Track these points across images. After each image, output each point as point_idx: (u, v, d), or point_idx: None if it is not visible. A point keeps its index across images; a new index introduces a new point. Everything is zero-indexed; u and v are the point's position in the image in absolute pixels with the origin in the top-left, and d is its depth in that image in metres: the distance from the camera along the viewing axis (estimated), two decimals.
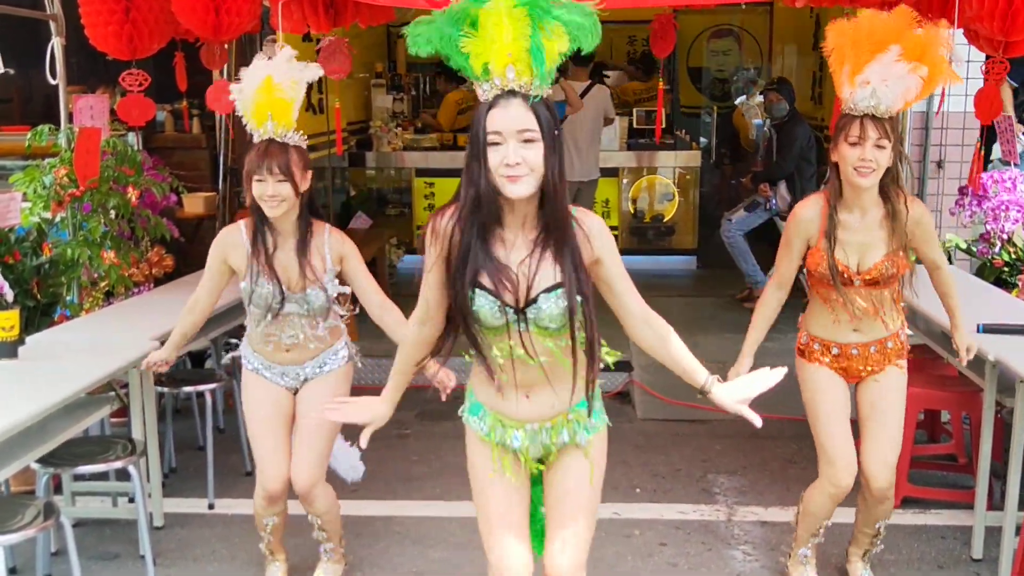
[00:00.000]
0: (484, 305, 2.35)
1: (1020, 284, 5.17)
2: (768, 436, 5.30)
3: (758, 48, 11.38)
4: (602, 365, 2.51)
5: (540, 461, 2.65)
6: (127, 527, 4.20)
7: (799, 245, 3.44)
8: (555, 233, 2.34)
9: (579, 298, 2.35)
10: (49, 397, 3.33)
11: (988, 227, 5.89)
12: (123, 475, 3.93)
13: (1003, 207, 5.81)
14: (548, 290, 2.34)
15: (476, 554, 3.96)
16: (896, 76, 3.06)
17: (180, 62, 5.49)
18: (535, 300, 2.35)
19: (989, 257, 5.82)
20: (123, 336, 4.15)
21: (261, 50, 6.57)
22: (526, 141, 2.24)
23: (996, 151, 6.65)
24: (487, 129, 2.24)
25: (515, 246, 2.37)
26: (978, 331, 3.94)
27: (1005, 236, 5.75)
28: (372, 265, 7.60)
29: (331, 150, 7.61)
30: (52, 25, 5.09)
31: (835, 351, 3.43)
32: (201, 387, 4.60)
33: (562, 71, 3.28)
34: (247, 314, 3.51)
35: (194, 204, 6.78)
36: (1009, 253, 5.67)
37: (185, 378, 4.76)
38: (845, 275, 3.29)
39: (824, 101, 8.13)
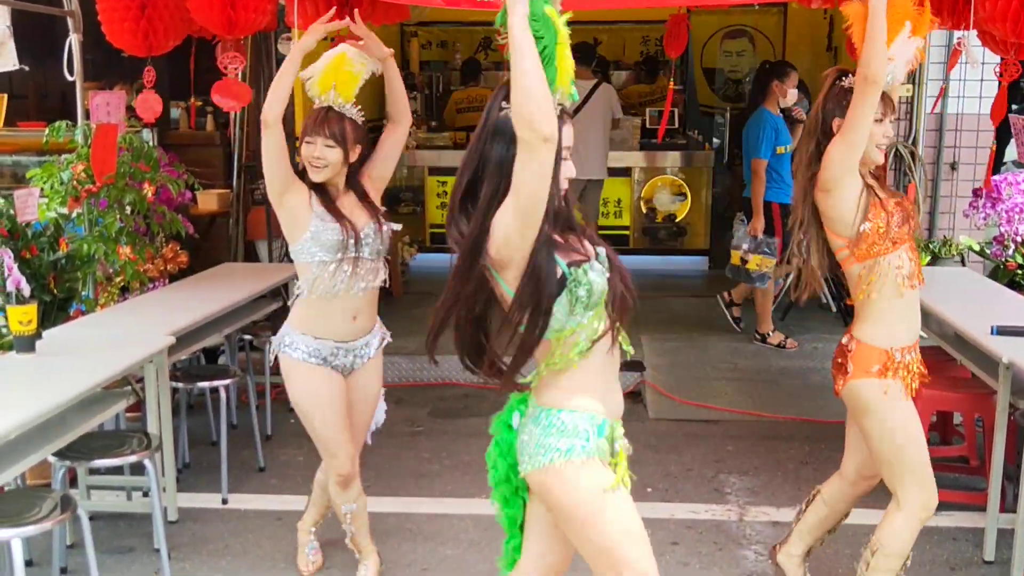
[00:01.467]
0: (597, 276, 2.36)
1: None
2: (780, 437, 5.31)
3: (772, 49, 11.35)
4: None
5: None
6: (142, 521, 4.22)
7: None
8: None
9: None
10: (65, 391, 3.36)
11: (1002, 229, 5.88)
12: (138, 469, 3.95)
13: (1017, 209, 5.81)
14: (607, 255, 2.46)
15: (487, 551, 3.99)
16: (906, 52, 3.11)
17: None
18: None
19: (1003, 259, 5.81)
20: (138, 331, 4.18)
21: (276, 48, 6.62)
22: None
23: (1010, 152, 6.64)
24: (563, 143, 2.33)
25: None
26: (992, 333, 3.94)
27: (1019, 238, 5.74)
28: (384, 261, 7.64)
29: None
30: (69, 21, 5.12)
31: (908, 357, 3.18)
32: (215, 383, 4.62)
33: None
34: (304, 283, 3.48)
35: (208, 201, 6.82)
36: (1022, 255, 5.66)
37: (199, 374, 4.78)
38: (900, 223, 3.15)
39: None
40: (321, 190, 3.47)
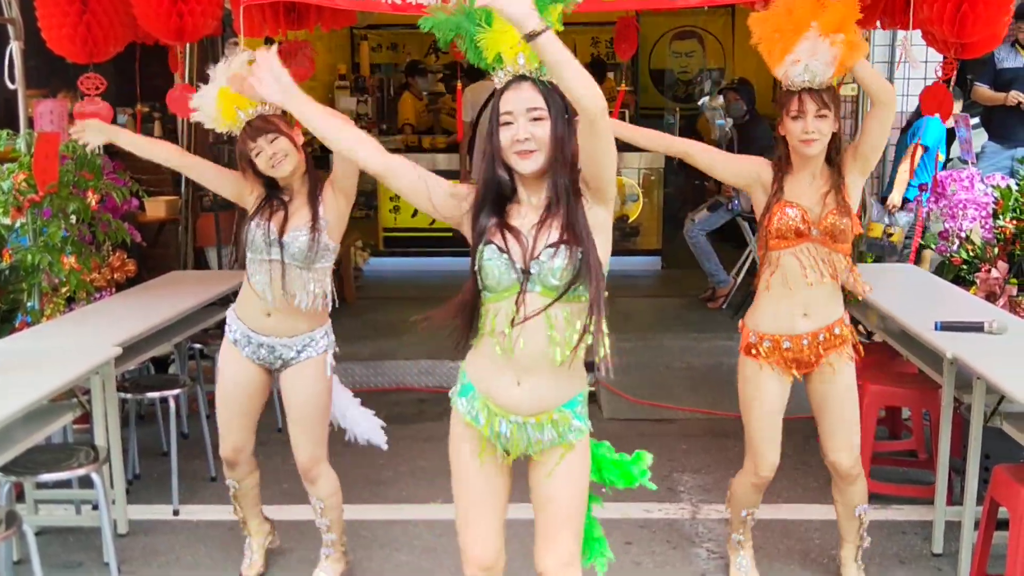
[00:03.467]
0: (492, 259, 2.46)
1: (978, 282, 5.25)
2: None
3: (721, 49, 11.47)
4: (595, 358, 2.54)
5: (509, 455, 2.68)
6: (91, 535, 4.16)
7: (747, 163, 3.55)
8: (562, 202, 2.46)
9: (580, 251, 2.43)
10: (11, 404, 3.30)
11: (946, 225, 5.98)
12: (86, 482, 3.90)
13: (961, 205, 5.90)
14: (551, 246, 2.44)
15: (443, 558, 3.98)
16: (822, 49, 3.23)
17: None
18: (538, 256, 2.45)
19: (948, 255, 5.90)
20: (85, 342, 4.12)
21: (223, 53, 6.56)
22: (535, 119, 2.42)
23: (955, 150, 6.76)
24: (500, 110, 2.44)
25: (528, 215, 2.51)
26: (936, 328, 4.00)
27: (963, 234, 5.84)
28: (337, 268, 7.60)
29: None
30: (10, 29, 5.04)
31: (786, 345, 3.46)
32: (164, 393, 4.57)
33: None
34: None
35: (156, 208, 6.74)
36: (967, 251, 5.75)
37: (148, 384, 4.73)
38: (803, 218, 3.35)
39: None
40: (272, 189, 3.51)
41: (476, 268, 2.49)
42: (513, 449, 2.64)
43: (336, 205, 3.53)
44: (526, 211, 2.52)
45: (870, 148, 3.41)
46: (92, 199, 5.16)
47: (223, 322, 5.49)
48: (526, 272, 2.45)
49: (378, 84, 11.11)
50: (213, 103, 3.47)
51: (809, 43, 3.23)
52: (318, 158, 3.70)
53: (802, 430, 5.33)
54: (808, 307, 3.42)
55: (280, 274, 3.46)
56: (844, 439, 3.55)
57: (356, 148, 2.53)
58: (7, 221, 4.98)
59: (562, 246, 2.43)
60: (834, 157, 3.41)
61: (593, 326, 2.47)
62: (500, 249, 2.46)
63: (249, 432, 3.73)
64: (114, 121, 5.35)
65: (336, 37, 9.42)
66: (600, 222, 2.51)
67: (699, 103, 11.34)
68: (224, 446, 3.72)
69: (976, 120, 7.07)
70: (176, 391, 4.59)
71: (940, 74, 4.75)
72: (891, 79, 7.18)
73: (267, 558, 3.99)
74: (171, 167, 3.76)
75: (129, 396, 4.54)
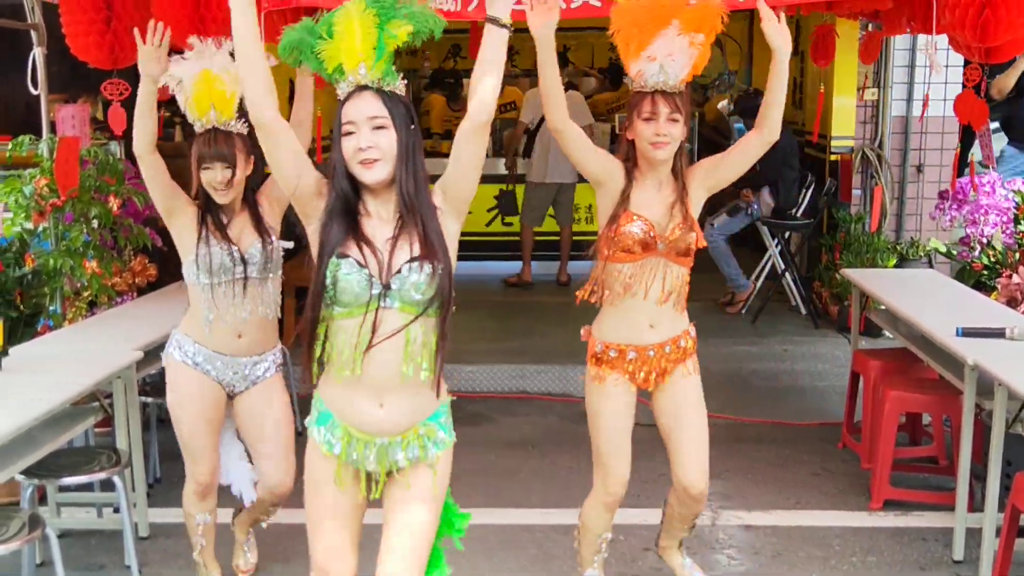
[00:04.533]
0: (350, 274, 2.38)
1: (999, 287, 5.22)
2: (752, 440, 5.34)
3: (740, 54, 11.43)
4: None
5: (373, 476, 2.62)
6: (112, 537, 4.18)
7: (605, 160, 3.32)
8: (413, 212, 2.43)
9: (442, 265, 2.40)
10: (33, 409, 3.32)
11: (967, 231, 5.95)
12: (108, 485, 3.93)
13: (982, 211, 5.87)
14: (410, 260, 2.40)
15: (462, 561, 3.97)
16: (679, 49, 3.13)
17: None
18: (399, 271, 2.40)
19: (969, 261, 5.87)
20: (106, 346, 4.14)
21: None
22: (377, 128, 2.39)
23: (976, 153, 6.73)
24: (343, 120, 2.41)
25: (380, 228, 2.46)
26: (957, 334, 3.98)
27: (985, 240, 5.81)
28: None
29: (312, 158, 7.61)
30: (33, 35, 5.08)
31: (632, 355, 3.33)
32: None
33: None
34: (192, 300, 3.54)
35: None
36: (989, 256, 5.72)
37: None
38: (651, 233, 3.23)
39: (804, 105, 8.19)
40: (212, 209, 3.46)
41: (328, 282, 2.39)
42: (376, 470, 2.57)
43: (272, 212, 3.56)
44: (377, 224, 2.46)
45: (732, 172, 3.36)
46: (114, 204, 5.19)
47: None
48: (386, 287, 2.40)
49: None
50: (192, 81, 3.39)
51: (667, 41, 3.11)
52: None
53: (823, 436, 5.32)
54: (654, 319, 3.31)
55: (244, 290, 3.45)
56: (698, 458, 3.44)
57: (265, 96, 2.39)
58: (29, 226, 5.02)
59: (424, 261, 2.39)
60: (679, 166, 3.29)
61: (438, 350, 2.46)
62: (359, 263, 2.39)
63: (217, 453, 3.66)
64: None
65: None
66: (451, 234, 2.50)
67: (718, 105, 11.31)
68: (202, 471, 3.59)
69: (996, 124, 7.03)
70: None
71: (968, 81, 4.73)
72: (911, 83, 7.18)
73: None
74: (138, 140, 3.43)
75: (150, 400, 4.56)
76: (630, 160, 3.30)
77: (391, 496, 2.62)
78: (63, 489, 4.24)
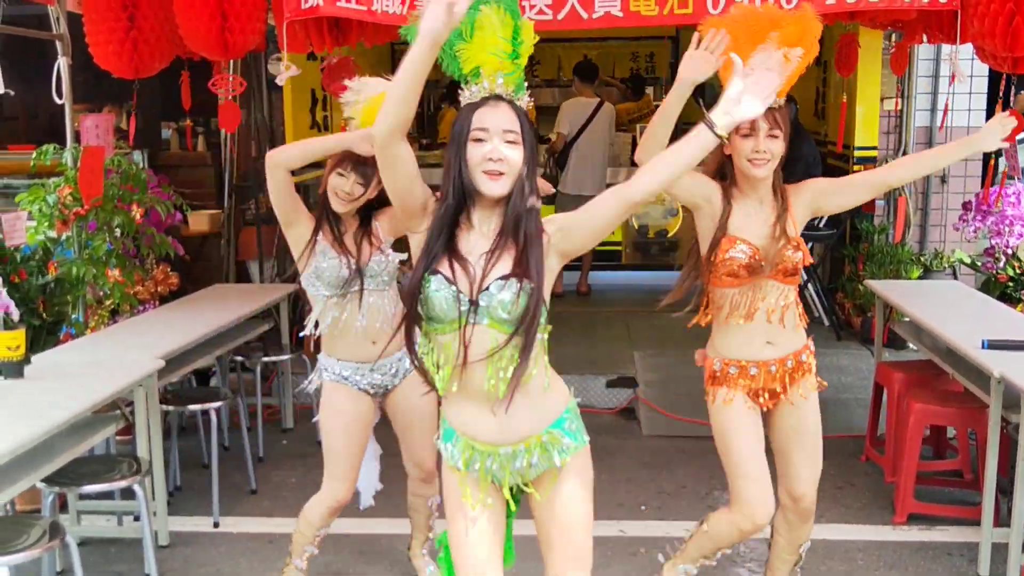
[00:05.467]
0: (439, 291, 2.36)
1: None
2: (773, 452, 5.29)
3: None
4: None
5: (513, 488, 2.59)
6: (132, 546, 4.19)
7: (701, 183, 3.23)
8: (516, 230, 2.38)
9: (529, 284, 2.34)
10: (54, 416, 3.34)
11: (992, 242, 5.90)
12: (128, 494, 3.93)
13: (1007, 222, 5.82)
14: (502, 278, 2.36)
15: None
16: (777, 65, 2.95)
17: (186, 81, 5.52)
18: (488, 288, 2.36)
19: (994, 272, 5.82)
20: (128, 355, 4.16)
21: (266, 69, 6.64)
22: (509, 142, 2.35)
23: (1001, 164, 6.67)
24: (473, 125, 2.35)
25: (478, 243, 2.42)
26: (983, 347, 3.94)
27: (1009, 251, 5.76)
28: None
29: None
30: (58, 45, 5.11)
31: (753, 371, 3.24)
32: (206, 405, 4.60)
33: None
34: (317, 313, 3.53)
35: (199, 222, 6.81)
36: (1014, 268, 5.67)
37: (190, 396, 4.77)
38: (756, 257, 3.15)
39: (827, 116, 8.14)
40: (332, 221, 3.48)
41: (421, 298, 2.38)
42: (504, 483, 2.55)
43: (388, 229, 3.53)
44: (475, 239, 2.42)
45: (832, 204, 3.30)
46: (136, 213, 5.23)
47: (264, 335, 5.58)
48: (473, 303, 2.36)
49: (419, 99, 11.15)
50: (369, 96, 3.42)
51: (765, 56, 2.91)
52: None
53: (846, 449, 5.27)
54: (770, 336, 3.23)
55: (362, 303, 3.45)
56: (811, 475, 3.35)
57: (404, 120, 2.34)
58: (53, 234, 5.06)
59: (513, 279, 2.35)
60: (777, 183, 3.21)
61: (519, 366, 2.39)
62: (447, 280, 2.36)
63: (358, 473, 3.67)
64: (155, 134, 5.43)
65: (377, 53, 9.46)
66: (552, 268, 2.45)
67: None
68: (343, 489, 3.59)
69: (1022, 135, 6.96)
70: (218, 404, 4.62)
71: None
72: (935, 93, 7.12)
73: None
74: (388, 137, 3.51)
75: (171, 408, 4.57)
76: (728, 178, 3.22)
77: (535, 506, 2.60)
78: (84, 497, 4.25)
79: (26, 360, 3.76)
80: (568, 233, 2.44)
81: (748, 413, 3.27)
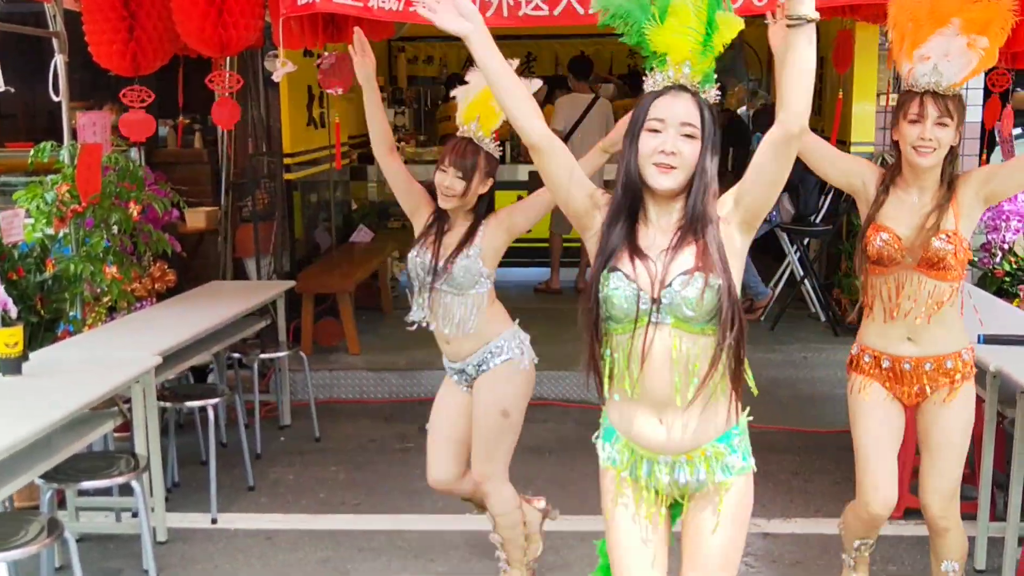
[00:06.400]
0: (619, 288, 2.27)
1: (1021, 294, 5.18)
2: (771, 448, 5.31)
3: (759, 60, 11.40)
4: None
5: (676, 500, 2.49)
6: (131, 542, 4.20)
7: (855, 164, 3.25)
8: (697, 224, 2.28)
9: (719, 280, 2.23)
10: (52, 413, 3.34)
11: (989, 237, 5.91)
12: (126, 490, 3.94)
13: (1004, 217, 5.83)
14: (684, 273, 2.25)
15: (479, 567, 3.97)
16: (957, 50, 2.95)
17: (180, 78, 5.53)
18: (670, 284, 2.26)
19: (990, 267, 5.83)
20: (126, 351, 4.17)
21: (263, 65, 6.63)
22: (687, 136, 2.26)
23: (996, 156, 6.68)
24: (650, 115, 2.27)
25: (657, 238, 2.33)
26: (979, 341, 3.94)
27: (1006, 246, 5.77)
28: (373, 278, 7.64)
29: (331, 164, 7.66)
30: (55, 42, 5.11)
31: (886, 364, 3.18)
32: (203, 402, 4.60)
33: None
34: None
35: (196, 219, 6.80)
36: (1010, 263, 5.68)
37: (188, 393, 4.77)
38: (896, 246, 3.08)
39: (823, 112, 8.15)
40: (439, 215, 3.52)
41: (601, 297, 2.29)
42: (667, 492, 2.44)
43: (495, 236, 3.49)
44: (654, 233, 2.33)
45: (1006, 186, 3.11)
46: (134, 210, 5.22)
47: (261, 332, 5.59)
48: (656, 301, 2.26)
49: (415, 96, 11.17)
50: (476, 91, 3.45)
51: (944, 40, 2.93)
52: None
53: (843, 444, 5.27)
54: (912, 333, 3.15)
55: (438, 302, 3.47)
56: (939, 486, 3.24)
57: (529, 117, 2.32)
58: (50, 231, 5.06)
59: (696, 273, 2.23)
60: (948, 172, 3.08)
61: (727, 363, 2.27)
62: (628, 277, 2.27)
63: (445, 456, 3.68)
64: (156, 133, 5.43)
65: (374, 49, 9.47)
66: (738, 249, 2.34)
67: (738, 111, 11.29)
68: (430, 469, 3.71)
69: (1018, 130, 6.98)
70: (215, 400, 4.62)
71: (993, 86, 4.69)
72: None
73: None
74: (375, 149, 3.58)
75: (169, 405, 4.58)
76: (894, 166, 3.14)
77: (688, 520, 2.48)
78: (82, 493, 4.26)
79: (24, 357, 3.76)
80: (742, 198, 2.32)
81: (882, 403, 3.22)
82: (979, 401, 3.99)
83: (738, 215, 2.32)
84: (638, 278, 2.27)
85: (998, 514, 4.10)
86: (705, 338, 2.28)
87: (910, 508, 4.40)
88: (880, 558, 4.09)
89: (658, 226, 2.34)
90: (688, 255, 2.27)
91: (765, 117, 7.88)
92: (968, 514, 4.14)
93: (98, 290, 5.11)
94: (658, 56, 2.29)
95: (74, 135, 5.25)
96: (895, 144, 3.13)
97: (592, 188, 2.42)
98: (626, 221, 2.33)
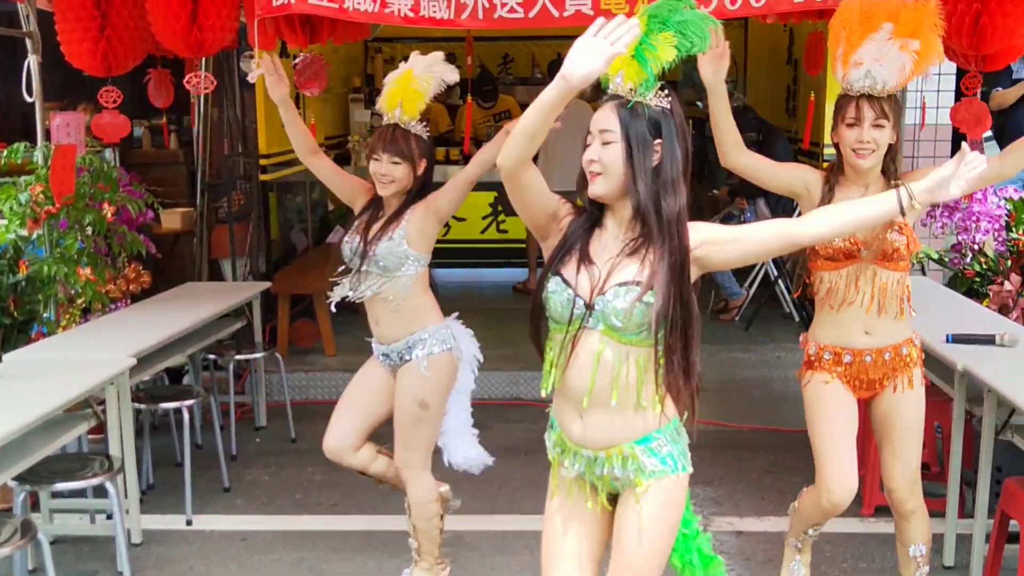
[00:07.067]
0: (556, 292, 2.37)
1: (991, 294, 5.24)
2: (745, 447, 5.35)
3: (733, 62, 11.46)
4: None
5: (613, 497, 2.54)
6: (105, 544, 4.19)
7: (795, 172, 3.35)
8: (651, 241, 2.34)
9: (654, 298, 2.28)
10: (26, 415, 3.34)
11: (959, 238, 5.96)
12: (101, 492, 3.93)
13: (974, 218, 5.88)
14: (622, 284, 2.32)
15: (454, 568, 3.99)
16: (890, 55, 3.05)
17: (159, 79, 5.51)
18: (605, 294, 2.33)
19: (961, 268, 5.89)
20: (100, 353, 4.16)
21: (239, 66, 6.62)
22: (605, 143, 2.35)
23: None
24: (590, 129, 2.40)
25: (609, 245, 2.40)
26: (947, 341, 4.00)
27: (976, 247, 5.82)
28: None
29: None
30: (28, 43, 5.09)
31: (847, 359, 3.28)
32: (178, 403, 4.60)
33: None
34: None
35: (171, 220, 6.79)
36: (980, 263, 5.74)
37: (163, 395, 4.76)
38: (852, 240, 3.16)
39: (798, 113, 8.21)
40: (378, 201, 3.62)
41: (543, 296, 2.40)
42: (599, 485, 2.51)
43: (422, 219, 3.56)
44: (608, 240, 2.41)
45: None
46: (108, 211, 5.21)
47: (237, 333, 5.58)
48: (590, 308, 2.34)
49: None
50: (393, 78, 3.57)
51: (876, 45, 3.04)
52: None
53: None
54: (869, 326, 3.25)
55: (366, 282, 3.58)
56: (903, 474, 3.35)
57: (526, 159, 2.35)
58: (24, 232, 5.03)
59: (633, 287, 2.30)
60: (890, 169, 3.20)
61: (665, 377, 2.35)
62: (566, 282, 2.36)
63: (345, 428, 3.76)
64: (131, 133, 5.41)
65: (350, 49, 9.44)
66: (692, 277, 2.39)
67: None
68: (328, 437, 3.80)
69: (988, 133, 7.04)
70: (190, 402, 4.62)
71: (967, 90, 4.73)
72: (904, 90, 7.18)
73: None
74: (300, 156, 3.76)
75: (143, 407, 4.57)
76: (835, 167, 3.25)
77: (616, 515, 2.52)
78: (56, 495, 4.24)
79: None
80: (713, 247, 2.39)
81: (841, 397, 3.31)
82: (948, 400, 4.06)
83: (699, 256, 2.39)
84: (578, 284, 2.36)
85: (967, 511, 4.15)
86: (635, 348, 2.35)
87: (880, 506, 4.46)
88: (851, 555, 4.14)
89: (613, 234, 2.42)
90: (632, 267, 2.34)
91: (739, 117, 7.91)
92: (938, 511, 4.20)
93: (72, 292, 5.09)
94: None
95: (48, 136, 5.23)
96: (836, 146, 3.24)
97: (555, 204, 2.48)
98: (585, 227, 2.43)
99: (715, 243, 2.39)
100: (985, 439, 3.73)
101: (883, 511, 4.44)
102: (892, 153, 3.18)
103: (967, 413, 3.97)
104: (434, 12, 4.19)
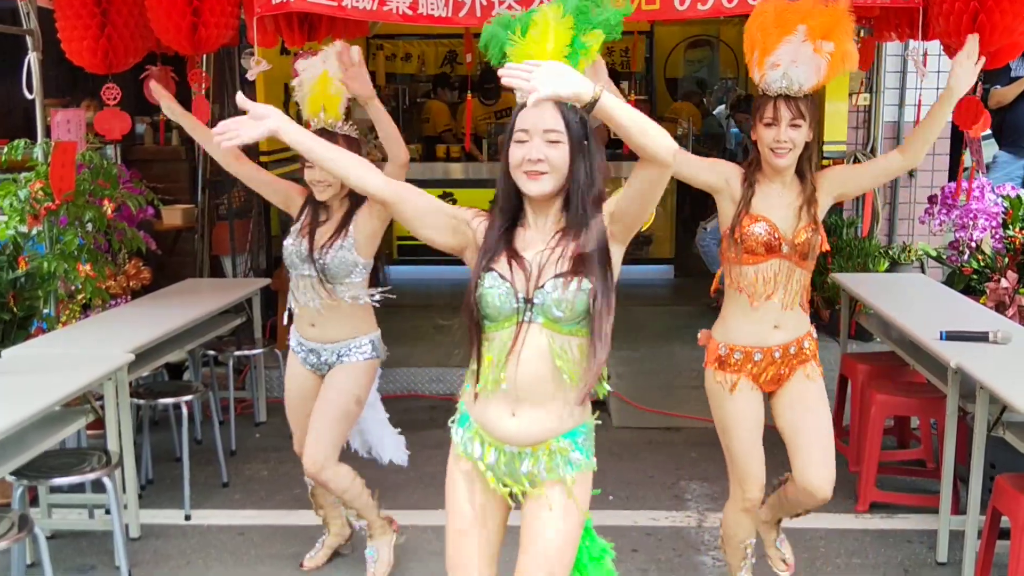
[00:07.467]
0: (493, 287, 2.38)
1: (988, 291, 5.25)
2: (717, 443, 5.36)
3: (734, 58, 11.48)
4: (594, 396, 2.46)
5: (512, 493, 2.56)
6: (103, 539, 4.22)
7: (715, 166, 3.38)
8: (576, 231, 2.39)
9: (591, 284, 2.33)
10: (25, 409, 3.36)
11: (957, 235, 5.98)
12: (99, 487, 3.96)
13: (971, 215, 5.90)
14: (557, 276, 2.36)
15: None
16: (805, 56, 3.11)
17: (159, 76, 5.52)
18: (543, 286, 2.36)
19: (958, 265, 5.90)
20: (99, 348, 4.18)
21: (239, 64, 6.64)
22: (551, 142, 2.35)
23: (967, 159, 6.75)
24: (516, 127, 2.38)
25: (535, 240, 2.44)
26: (941, 338, 4.01)
27: (974, 244, 5.84)
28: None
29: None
30: (28, 40, 5.12)
31: (758, 356, 3.32)
32: (177, 399, 4.62)
33: None
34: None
35: (172, 216, 6.82)
36: (978, 261, 5.75)
37: (161, 390, 4.78)
38: (775, 235, 3.23)
39: None
40: (315, 204, 3.62)
41: (477, 295, 2.41)
42: (510, 482, 2.53)
43: (369, 224, 3.59)
44: (533, 236, 2.44)
45: (861, 186, 3.43)
46: (108, 208, 5.23)
47: (237, 329, 5.61)
48: (528, 302, 2.38)
49: (394, 94, 11.16)
50: (311, 83, 3.58)
51: (792, 47, 3.11)
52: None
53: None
54: (779, 321, 3.31)
55: (313, 288, 3.60)
56: (822, 461, 3.31)
57: (364, 177, 2.43)
58: (24, 229, 5.06)
59: (572, 278, 2.35)
60: (806, 168, 3.27)
61: (594, 364, 2.37)
62: (502, 277, 2.39)
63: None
64: (132, 130, 5.44)
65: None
66: (615, 259, 2.44)
67: (714, 112, 11.37)
68: (295, 441, 3.92)
69: (988, 130, 7.05)
70: (189, 397, 4.65)
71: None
72: (903, 88, 7.21)
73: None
74: (226, 167, 3.76)
75: (142, 402, 4.59)
76: (753, 163, 3.30)
77: (526, 511, 2.55)
78: (54, 490, 4.28)
79: None
80: (615, 213, 2.42)
81: (750, 397, 3.36)
82: (943, 397, 4.08)
83: (614, 227, 2.43)
84: (513, 278, 2.39)
85: (960, 508, 4.17)
86: (575, 339, 2.39)
87: (876, 503, 4.48)
88: (845, 551, 4.16)
89: (536, 229, 2.45)
90: (564, 258, 2.38)
91: (741, 108, 7.93)
92: (932, 508, 4.23)
93: (72, 288, 5.11)
94: None
95: (48, 132, 5.26)
96: (754, 144, 3.29)
97: (452, 214, 2.50)
98: (506, 225, 2.45)
99: (617, 215, 2.43)
100: (977, 436, 3.75)
101: (878, 507, 4.48)
102: (808, 152, 3.25)
103: (960, 410, 3.99)
104: (432, 10, 4.22)
